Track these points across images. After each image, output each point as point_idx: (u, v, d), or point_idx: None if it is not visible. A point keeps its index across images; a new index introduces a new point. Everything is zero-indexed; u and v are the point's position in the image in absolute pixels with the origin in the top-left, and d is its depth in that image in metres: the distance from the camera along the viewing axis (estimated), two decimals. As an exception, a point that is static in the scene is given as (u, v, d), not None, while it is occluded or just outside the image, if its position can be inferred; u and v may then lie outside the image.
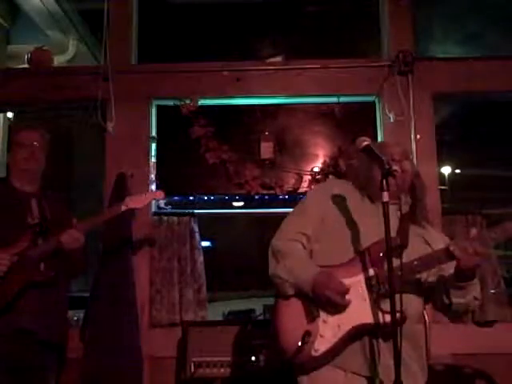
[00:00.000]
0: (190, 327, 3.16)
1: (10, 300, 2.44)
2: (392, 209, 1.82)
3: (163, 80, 3.72)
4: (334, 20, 4.23)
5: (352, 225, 1.98)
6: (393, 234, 1.81)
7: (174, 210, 3.75)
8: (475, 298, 1.94)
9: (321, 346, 1.83)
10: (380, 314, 1.80)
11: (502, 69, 3.64)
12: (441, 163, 3.97)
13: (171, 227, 3.59)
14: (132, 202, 2.75)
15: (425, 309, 2.09)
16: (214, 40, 4.13)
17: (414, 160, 3.50)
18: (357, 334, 1.85)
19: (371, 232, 1.90)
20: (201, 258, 3.61)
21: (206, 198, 3.91)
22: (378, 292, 1.83)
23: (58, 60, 4.39)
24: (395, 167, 1.86)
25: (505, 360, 3.26)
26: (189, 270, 3.55)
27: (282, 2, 4.26)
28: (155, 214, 3.65)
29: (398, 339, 1.64)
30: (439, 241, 2.01)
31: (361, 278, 1.88)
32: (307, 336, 1.82)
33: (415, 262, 1.86)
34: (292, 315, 1.92)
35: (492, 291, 3.45)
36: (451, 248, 1.79)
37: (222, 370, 3.01)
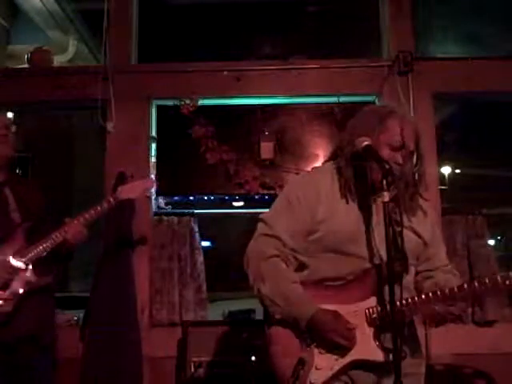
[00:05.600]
0: (190, 327, 3.17)
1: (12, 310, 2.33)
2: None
3: (163, 80, 3.72)
4: (334, 20, 4.23)
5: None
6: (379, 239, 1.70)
7: (174, 210, 3.75)
8: None
9: (317, 378, 1.68)
10: (380, 352, 1.67)
11: (502, 69, 3.65)
12: (441, 163, 3.96)
13: (171, 227, 3.59)
14: (124, 193, 2.62)
15: None
16: (214, 40, 4.13)
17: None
18: (355, 367, 1.71)
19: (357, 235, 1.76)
20: (201, 258, 3.61)
21: (205, 198, 3.91)
22: (378, 326, 1.70)
23: (58, 60, 4.38)
24: (394, 163, 1.75)
25: (505, 360, 3.26)
26: (189, 270, 3.55)
27: (282, 2, 4.26)
28: (155, 214, 3.66)
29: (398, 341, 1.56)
30: (427, 226, 1.86)
31: (361, 306, 1.73)
32: (301, 365, 1.67)
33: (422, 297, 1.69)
34: (284, 338, 1.75)
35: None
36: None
37: (222, 370, 3.02)
